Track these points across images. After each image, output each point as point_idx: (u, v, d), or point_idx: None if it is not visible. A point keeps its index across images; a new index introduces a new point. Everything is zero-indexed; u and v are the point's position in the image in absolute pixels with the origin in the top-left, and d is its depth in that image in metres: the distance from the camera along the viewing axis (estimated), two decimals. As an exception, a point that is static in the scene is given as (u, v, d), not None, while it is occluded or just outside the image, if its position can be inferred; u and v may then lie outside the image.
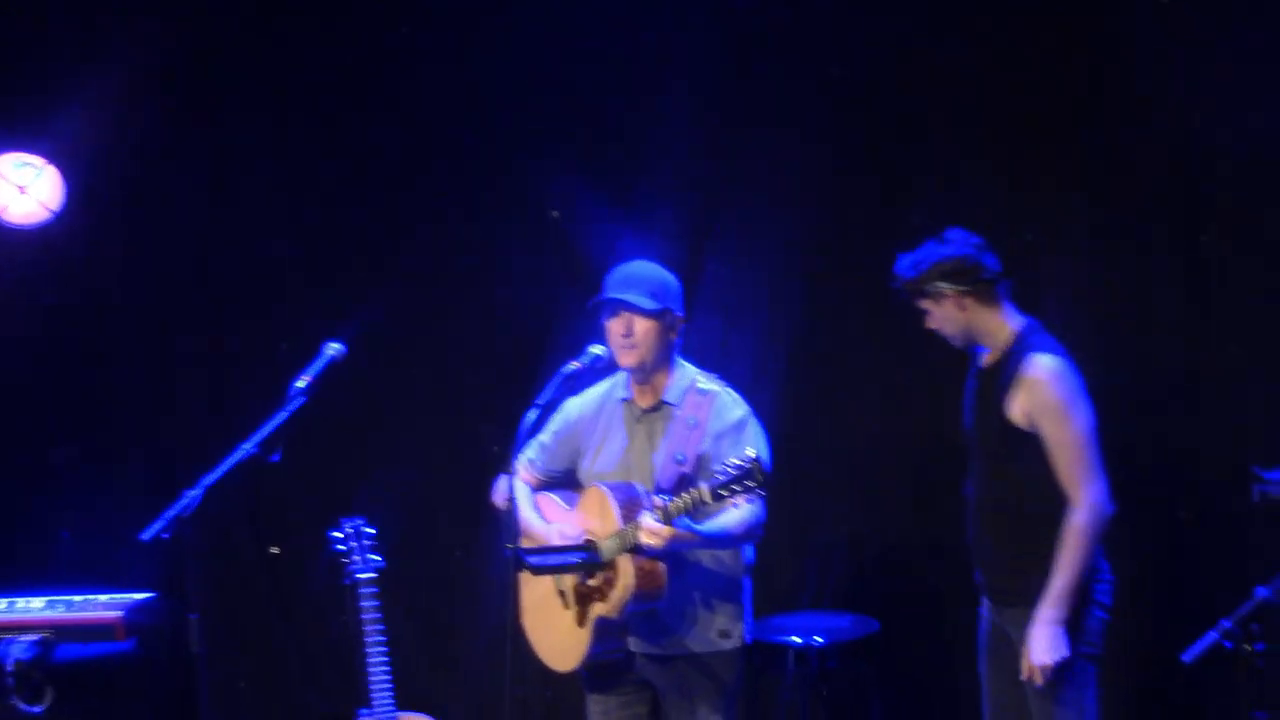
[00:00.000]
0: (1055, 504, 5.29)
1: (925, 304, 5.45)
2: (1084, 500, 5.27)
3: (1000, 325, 5.42)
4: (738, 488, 4.86)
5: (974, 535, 5.51)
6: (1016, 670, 5.36)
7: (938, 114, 6.56)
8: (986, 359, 5.48)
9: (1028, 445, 5.30)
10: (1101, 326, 6.40)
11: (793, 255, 6.72)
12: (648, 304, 5.30)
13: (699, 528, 5.08)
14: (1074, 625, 5.31)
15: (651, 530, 4.99)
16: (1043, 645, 5.26)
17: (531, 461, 5.55)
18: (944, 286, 5.38)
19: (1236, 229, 6.21)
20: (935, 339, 5.91)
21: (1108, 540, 5.52)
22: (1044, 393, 5.27)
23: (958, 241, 5.44)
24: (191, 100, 7.30)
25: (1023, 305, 6.01)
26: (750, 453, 4.88)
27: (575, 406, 5.55)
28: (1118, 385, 6.36)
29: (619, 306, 5.31)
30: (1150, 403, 6.35)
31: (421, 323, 7.19)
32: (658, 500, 5.09)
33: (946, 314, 5.42)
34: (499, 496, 5.60)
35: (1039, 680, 5.28)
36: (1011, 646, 5.40)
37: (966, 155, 6.52)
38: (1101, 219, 6.39)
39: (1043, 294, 6.41)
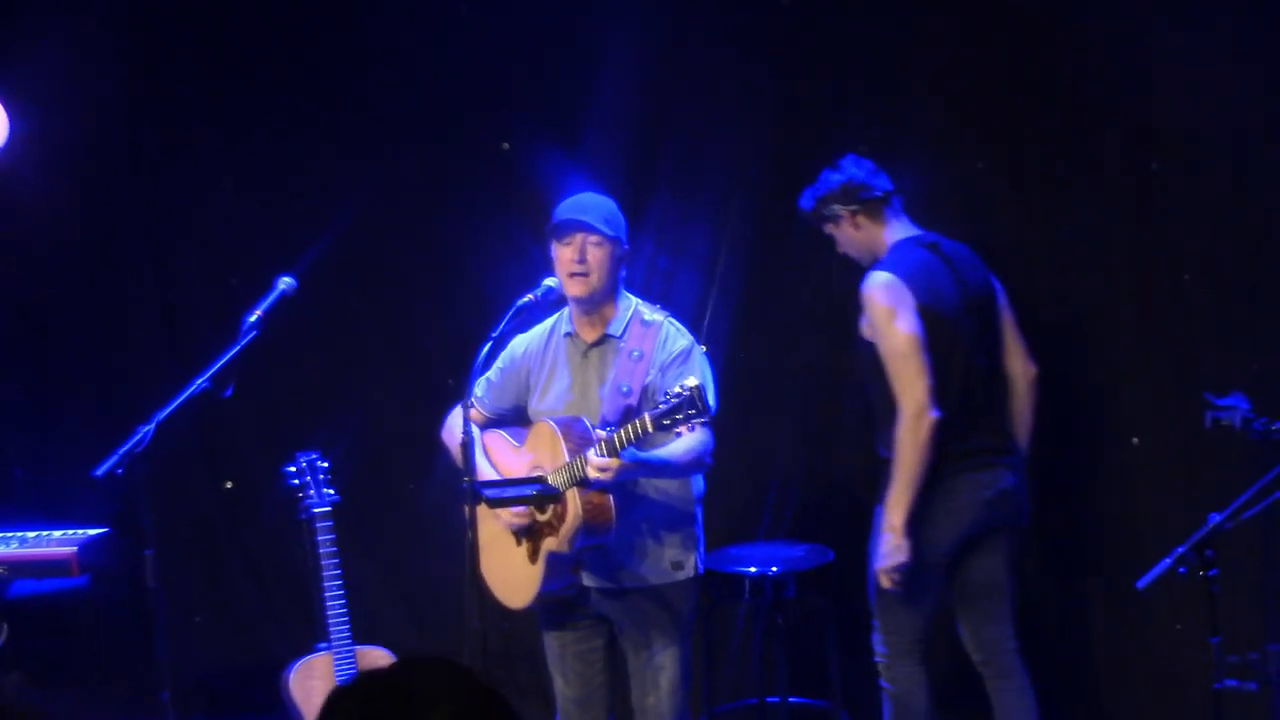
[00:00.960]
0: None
1: (829, 229, 5.84)
2: (904, 408, 5.55)
3: (887, 243, 5.76)
4: (679, 416, 4.85)
5: None
6: None
7: (886, 41, 6.53)
8: None
9: (872, 355, 5.64)
10: (1054, 253, 6.42)
11: (739, 185, 6.70)
12: (605, 229, 5.30)
13: (645, 457, 5.08)
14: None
15: (598, 465, 4.99)
16: (880, 550, 5.58)
17: (479, 399, 5.53)
18: (838, 209, 5.76)
19: (1187, 156, 6.21)
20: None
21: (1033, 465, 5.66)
22: (870, 307, 5.61)
23: (848, 166, 5.79)
24: (139, 34, 7.23)
25: (972, 233, 6.06)
26: (691, 382, 4.86)
27: (521, 343, 5.53)
28: (1070, 312, 6.39)
29: (577, 228, 5.29)
30: (1102, 329, 6.37)
31: (374, 256, 7.16)
32: (602, 433, 5.08)
33: (846, 235, 5.81)
34: (447, 433, 5.59)
35: (884, 584, 5.59)
36: None
37: (914, 84, 6.50)
38: (1052, 146, 6.39)
39: (995, 221, 6.43)
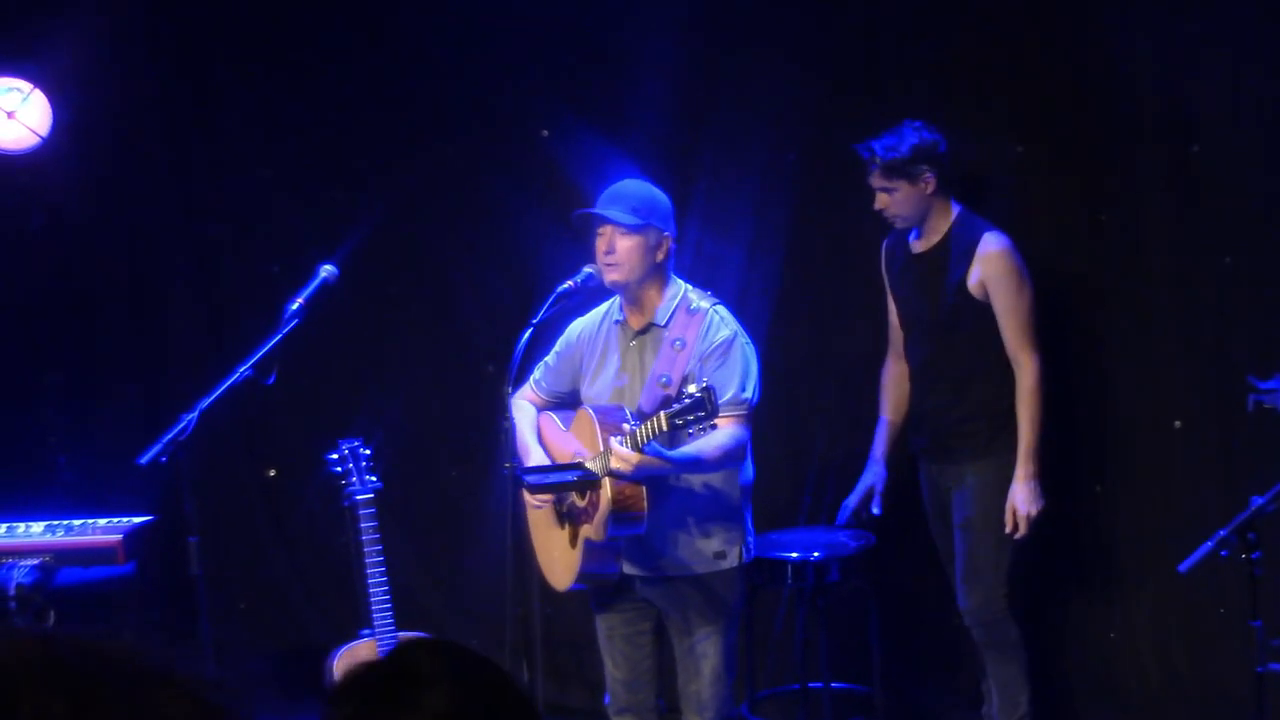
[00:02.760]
0: (996, 368, 5.91)
1: (897, 183, 5.92)
2: (1031, 364, 5.87)
3: (947, 211, 6.00)
4: (690, 418, 4.78)
5: (919, 400, 6.13)
6: (959, 522, 6.03)
7: (925, 26, 6.52)
8: (921, 243, 6.04)
9: (978, 315, 5.87)
10: (1094, 235, 6.39)
11: (780, 170, 6.69)
12: (626, 219, 5.24)
13: (670, 454, 4.99)
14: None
15: (620, 456, 4.95)
16: (1025, 498, 5.88)
17: (538, 382, 5.54)
18: (925, 168, 5.87)
19: (1227, 137, 6.18)
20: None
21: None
22: (1001, 265, 5.87)
23: (926, 129, 5.92)
24: (177, 23, 7.26)
25: (1011, 216, 6.09)
26: (705, 382, 4.82)
27: (577, 327, 5.51)
28: (1110, 295, 6.37)
29: (598, 221, 5.27)
30: (1143, 312, 6.35)
31: (415, 244, 7.17)
32: (627, 426, 5.04)
33: (916, 194, 5.94)
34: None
35: (1024, 530, 5.89)
36: (949, 499, 6.08)
37: (953, 69, 6.48)
38: (1091, 129, 6.37)
39: (1034, 204, 6.41)
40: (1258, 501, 4.92)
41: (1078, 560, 6.48)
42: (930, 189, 5.90)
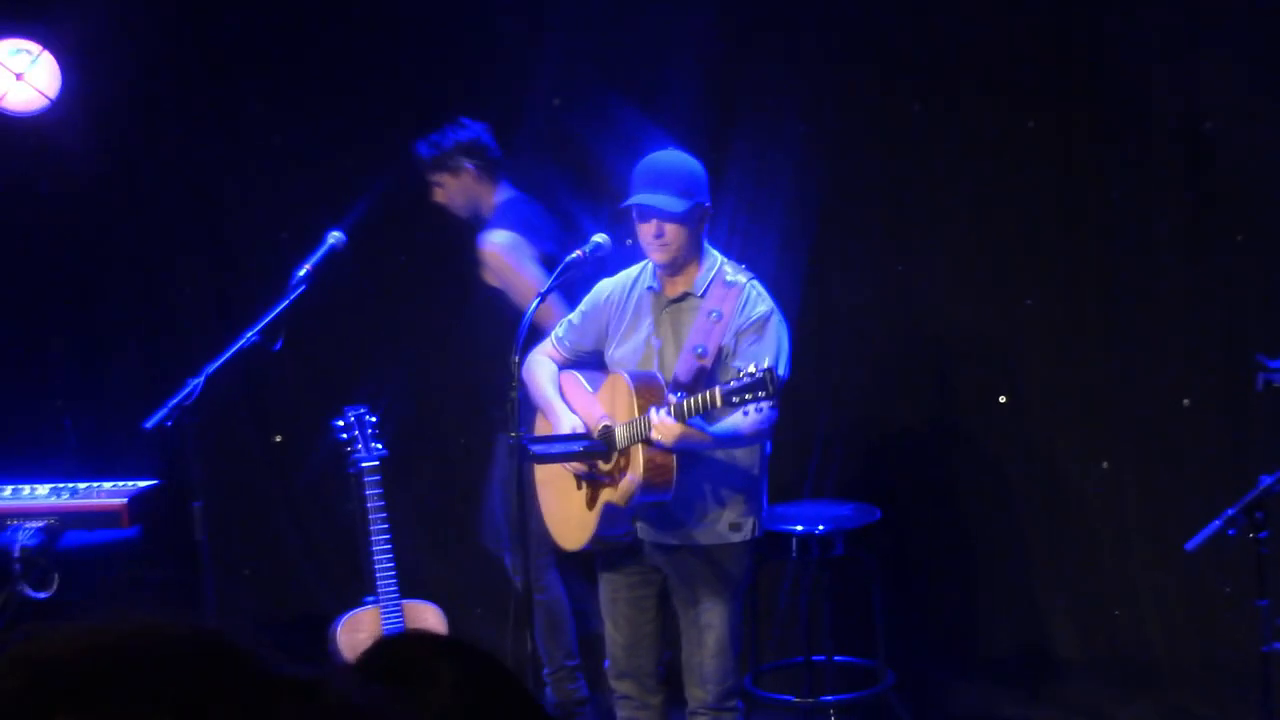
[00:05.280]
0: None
1: (443, 178, 6.41)
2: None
3: (493, 203, 6.38)
4: (749, 396, 4.77)
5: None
6: None
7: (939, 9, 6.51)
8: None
9: (502, 305, 6.13)
10: (1106, 213, 6.37)
11: (794, 137, 6.67)
12: (676, 205, 5.15)
13: (711, 428, 5.01)
14: None
15: (662, 426, 4.95)
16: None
17: (560, 339, 5.48)
18: (464, 161, 6.34)
19: (1239, 114, 6.16)
20: (945, 229, 5.90)
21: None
22: (494, 263, 6.24)
23: (473, 126, 6.38)
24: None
25: (1021, 191, 6.02)
26: (766, 362, 4.80)
27: (606, 288, 5.44)
28: (1121, 273, 6.35)
29: (651, 214, 5.21)
30: (1154, 290, 6.33)
31: (422, 211, 7.14)
32: (672, 397, 5.01)
33: (462, 186, 6.42)
34: (527, 372, 5.55)
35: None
36: None
37: (966, 41, 6.46)
38: (1103, 106, 6.34)
39: (1045, 180, 6.38)
40: (1266, 480, 4.92)
41: (1083, 535, 6.47)
42: (477, 180, 6.35)
